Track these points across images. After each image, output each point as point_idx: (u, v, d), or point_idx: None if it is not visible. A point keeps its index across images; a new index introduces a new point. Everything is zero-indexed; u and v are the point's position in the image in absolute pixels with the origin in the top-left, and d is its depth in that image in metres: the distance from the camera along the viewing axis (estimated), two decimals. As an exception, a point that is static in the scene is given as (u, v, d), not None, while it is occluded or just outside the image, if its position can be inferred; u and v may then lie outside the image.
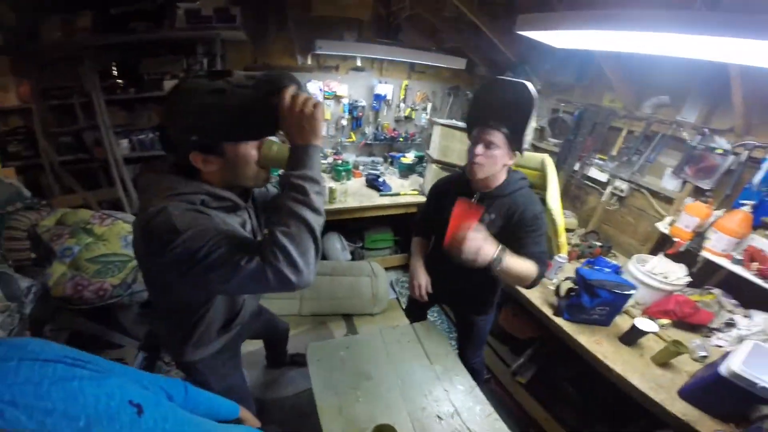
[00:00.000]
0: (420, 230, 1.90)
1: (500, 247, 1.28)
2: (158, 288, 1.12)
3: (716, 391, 1.38)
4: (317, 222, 0.89)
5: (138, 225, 0.93)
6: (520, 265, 1.34)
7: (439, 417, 1.45)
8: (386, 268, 3.28)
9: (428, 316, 2.15)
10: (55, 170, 2.56)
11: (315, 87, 3.34)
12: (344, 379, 1.56)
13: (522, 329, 2.39)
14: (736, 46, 1.14)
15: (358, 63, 3.42)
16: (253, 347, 2.32)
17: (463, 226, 1.23)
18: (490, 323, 1.93)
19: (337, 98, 3.48)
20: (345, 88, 3.47)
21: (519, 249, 1.38)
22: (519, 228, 1.45)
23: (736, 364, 1.31)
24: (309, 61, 3.30)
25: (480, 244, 1.22)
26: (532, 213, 1.46)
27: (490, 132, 1.36)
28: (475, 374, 1.98)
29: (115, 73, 2.65)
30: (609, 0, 2.17)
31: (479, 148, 1.38)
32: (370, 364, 1.64)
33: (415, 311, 2.09)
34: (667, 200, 2.34)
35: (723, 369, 1.34)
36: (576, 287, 1.85)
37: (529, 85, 1.31)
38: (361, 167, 3.61)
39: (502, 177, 1.50)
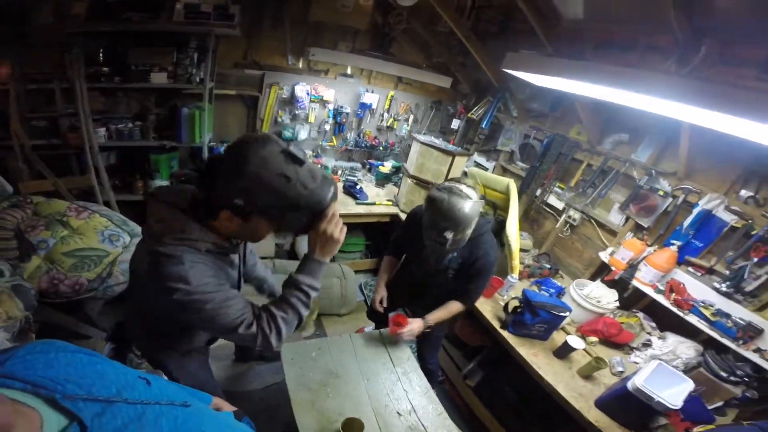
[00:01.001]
0: (392, 250, 2.14)
1: (422, 320, 1.84)
2: (150, 304, 1.19)
3: (624, 402, 1.62)
4: (307, 313, 1.15)
5: (148, 258, 1.00)
6: (445, 313, 1.88)
7: (398, 413, 1.61)
8: (356, 271, 3.39)
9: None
10: (26, 154, 2.45)
11: (302, 90, 3.37)
12: (315, 376, 1.68)
13: (473, 337, 2.61)
14: (694, 111, 1.31)
15: (348, 70, 3.49)
16: (222, 341, 2.37)
17: (398, 330, 1.81)
18: (446, 329, 2.18)
19: (322, 102, 3.52)
20: (332, 93, 3.51)
21: (463, 282, 1.85)
22: (472, 271, 1.80)
23: (639, 380, 1.56)
24: (300, 64, 3.34)
25: (412, 333, 1.82)
26: (487, 263, 1.79)
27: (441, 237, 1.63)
28: (431, 375, 2.20)
29: (101, 59, 2.58)
30: (590, 38, 2.42)
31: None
32: (339, 364, 1.77)
33: (376, 314, 2.24)
34: (612, 233, 2.62)
35: (629, 384, 1.58)
36: (521, 306, 2.08)
37: (466, 205, 1.54)
38: (339, 172, 3.69)
39: None
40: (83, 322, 2.15)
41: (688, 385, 1.62)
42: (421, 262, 1.93)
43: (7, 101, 2.39)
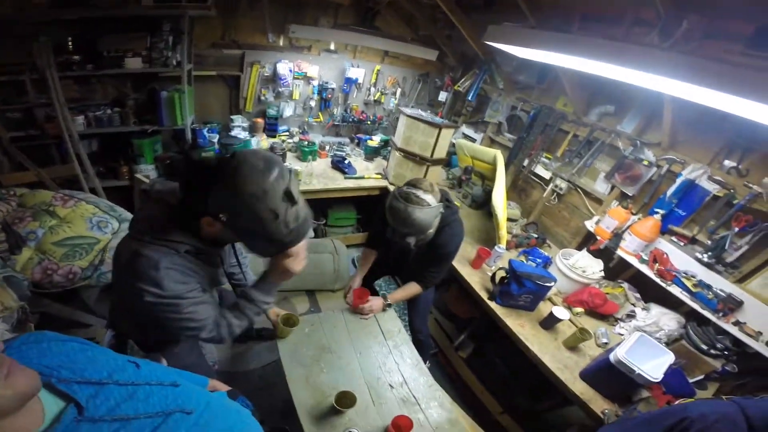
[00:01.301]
0: (370, 243, 2.20)
1: (383, 299, 1.99)
2: (128, 302, 1.25)
3: (607, 374, 1.67)
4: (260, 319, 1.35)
5: (128, 255, 1.05)
6: (404, 293, 2.02)
7: (390, 386, 1.67)
8: (348, 246, 3.42)
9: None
10: (4, 146, 2.42)
11: (285, 67, 3.30)
12: (309, 352, 1.74)
13: (464, 309, 2.69)
14: (674, 84, 1.30)
15: (332, 46, 3.41)
16: None
17: (360, 303, 1.94)
18: (432, 293, 2.24)
19: (306, 78, 3.46)
20: (316, 69, 3.44)
21: (422, 265, 1.95)
22: (432, 256, 1.89)
23: (621, 352, 1.60)
24: (281, 42, 3.25)
25: (372, 309, 1.96)
26: (446, 253, 1.89)
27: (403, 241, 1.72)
28: (423, 347, 2.27)
29: (70, 48, 2.50)
30: (575, 11, 2.37)
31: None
32: (332, 340, 1.83)
33: (364, 282, 2.30)
34: (598, 201, 2.67)
35: (612, 356, 1.63)
36: (507, 276, 2.12)
37: (423, 213, 1.59)
38: (327, 147, 3.66)
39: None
40: (82, 310, 2.18)
41: (668, 358, 1.67)
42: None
43: None
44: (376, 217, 2.05)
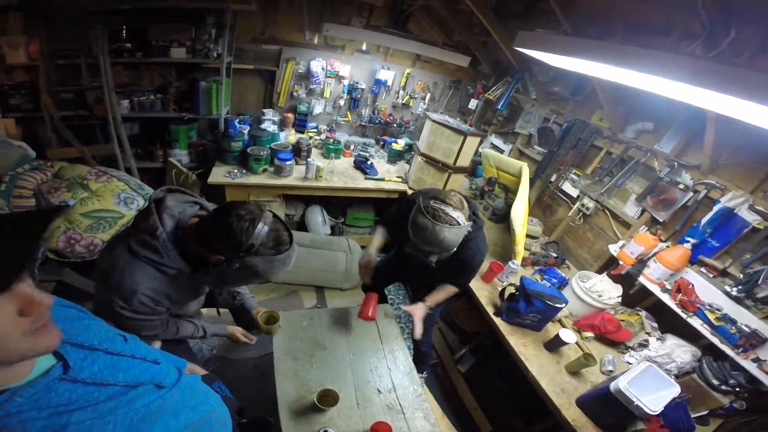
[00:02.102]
0: (387, 223, 2.05)
1: (423, 303, 1.87)
2: (99, 291, 1.30)
3: (604, 403, 1.58)
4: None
5: (117, 262, 1.13)
6: (443, 294, 1.90)
7: (378, 390, 1.65)
8: (362, 246, 3.38)
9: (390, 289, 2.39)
10: (55, 124, 2.65)
11: (318, 65, 3.38)
12: (303, 346, 1.75)
13: (470, 322, 2.61)
14: (716, 98, 1.18)
15: (364, 47, 3.45)
16: (222, 310, 2.43)
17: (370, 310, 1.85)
18: (440, 309, 2.16)
19: (338, 77, 3.53)
20: (348, 68, 3.49)
21: (449, 275, 1.87)
22: (457, 266, 1.77)
23: (623, 381, 1.51)
24: (316, 40, 3.33)
25: (418, 315, 1.85)
26: (472, 263, 1.78)
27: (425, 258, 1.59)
28: (423, 357, 2.22)
29: (124, 36, 2.69)
30: (618, 21, 2.27)
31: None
32: (327, 337, 1.83)
33: (375, 284, 2.26)
34: (626, 225, 2.50)
35: (612, 384, 1.53)
36: (517, 293, 2.04)
37: (451, 233, 1.44)
38: (352, 147, 3.70)
39: None
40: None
41: (674, 391, 1.56)
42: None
43: (36, 76, 2.59)
44: (390, 216, 2.00)
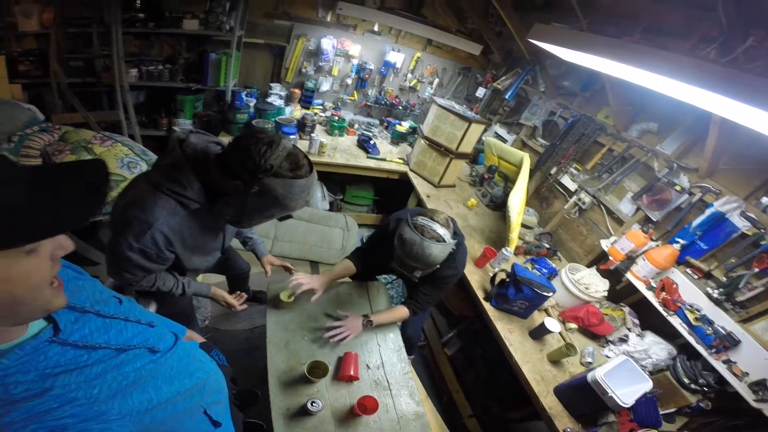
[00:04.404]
0: (357, 256, 2.00)
1: (366, 320, 1.74)
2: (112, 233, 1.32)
3: (579, 393, 1.63)
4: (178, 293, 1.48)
5: (134, 194, 1.14)
6: (389, 317, 1.83)
7: (367, 366, 1.67)
8: (360, 225, 3.46)
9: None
10: (62, 90, 2.65)
11: (329, 43, 3.36)
12: (295, 318, 1.76)
13: (459, 306, 2.67)
14: (722, 102, 1.20)
15: (376, 28, 3.42)
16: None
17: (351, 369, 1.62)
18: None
19: (347, 56, 3.51)
20: (357, 48, 3.47)
21: (419, 286, 1.80)
22: (431, 278, 1.73)
23: (600, 372, 1.56)
24: (329, 18, 3.29)
25: (349, 330, 1.69)
26: (447, 277, 1.74)
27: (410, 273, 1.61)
28: (410, 342, 2.24)
29: (138, 5, 2.67)
30: (638, 22, 2.25)
31: None
32: (320, 310, 1.83)
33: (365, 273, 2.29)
34: (619, 221, 2.55)
35: (590, 375, 1.59)
36: (507, 279, 2.10)
37: (437, 249, 1.47)
38: (356, 126, 3.70)
39: None
40: (96, 248, 2.32)
41: (646, 385, 1.62)
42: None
43: (46, 43, 2.57)
44: (371, 239, 2.01)
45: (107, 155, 2.30)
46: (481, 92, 3.68)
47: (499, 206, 2.97)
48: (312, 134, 3.17)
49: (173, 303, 1.63)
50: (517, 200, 2.43)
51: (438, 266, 1.59)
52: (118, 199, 1.23)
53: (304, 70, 3.52)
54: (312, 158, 1.52)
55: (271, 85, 3.47)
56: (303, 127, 3.26)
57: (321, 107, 3.73)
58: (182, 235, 1.21)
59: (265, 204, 1.13)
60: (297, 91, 3.54)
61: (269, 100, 3.38)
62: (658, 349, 1.93)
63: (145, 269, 1.24)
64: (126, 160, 2.35)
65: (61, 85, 2.63)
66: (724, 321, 1.84)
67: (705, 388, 1.77)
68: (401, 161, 3.43)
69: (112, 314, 0.75)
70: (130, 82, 2.83)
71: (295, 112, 3.46)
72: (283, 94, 3.49)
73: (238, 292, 1.81)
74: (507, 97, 3.39)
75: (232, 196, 1.13)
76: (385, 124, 3.97)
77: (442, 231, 1.50)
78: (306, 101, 3.64)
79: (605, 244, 2.44)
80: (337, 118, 3.51)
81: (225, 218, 1.25)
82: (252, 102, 3.27)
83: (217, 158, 1.14)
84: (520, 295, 2.01)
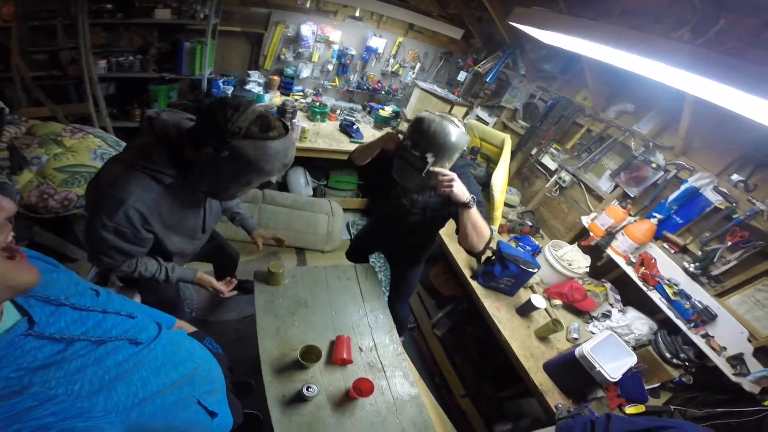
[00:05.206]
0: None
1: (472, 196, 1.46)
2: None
3: (568, 368, 1.67)
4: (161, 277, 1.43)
5: (107, 175, 1.11)
6: (482, 219, 1.51)
7: (360, 348, 1.68)
8: (345, 209, 3.45)
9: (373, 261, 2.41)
10: (25, 84, 2.51)
11: (309, 29, 3.30)
12: (284, 304, 1.75)
13: (446, 286, 2.71)
14: (695, 80, 1.21)
15: (357, 13, 3.37)
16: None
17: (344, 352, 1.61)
18: (419, 276, 2.22)
19: (328, 42, 3.46)
20: (338, 34, 3.42)
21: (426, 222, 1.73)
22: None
23: (587, 347, 1.61)
24: (308, 4, 3.22)
25: (458, 188, 1.39)
26: (460, 164, 1.57)
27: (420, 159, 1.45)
28: (400, 324, 2.27)
29: None
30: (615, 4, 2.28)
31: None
32: (309, 294, 1.83)
33: (357, 255, 2.34)
34: (598, 198, 2.62)
35: (577, 350, 1.63)
36: (493, 257, 2.13)
37: (455, 132, 1.39)
38: (338, 111, 3.67)
39: None
40: (72, 244, 2.24)
41: (631, 360, 1.67)
42: (395, 208, 1.84)
43: (7, 37, 2.42)
44: (374, 172, 1.94)
45: (79, 147, 2.21)
46: (462, 76, 3.68)
47: (482, 186, 3.01)
48: (293, 120, 3.13)
49: (158, 291, 1.60)
50: (500, 179, 2.46)
51: (447, 164, 1.47)
52: (92, 181, 1.20)
53: (283, 56, 3.44)
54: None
55: (249, 72, 3.39)
56: (283, 113, 3.19)
57: (302, 93, 3.66)
58: (159, 212, 1.18)
59: (238, 169, 1.10)
60: (276, 78, 3.46)
61: (247, 87, 3.31)
62: (639, 324, 1.99)
63: (123, 251, 1.20)
64: (99, 151, 2.28)
65: (24, 79, 2.50)
66: (700, 295, 1.91)
67: (686, 363, 1.83)
68: (384, 145, 3.40)
69: (89, 306, 0.73)
70: (99, 74, 2.71)
71: (274, 99, 3.39)
72: (261, 81, 3.41)
73: (228, 278, 1.71)
74: (488, 80, 3.41)
75: (204, 164, 1.09)
76: (368, 109, 3.94)
77: (459, 122, 1.45)
78: (286, 88, 3.57)
79: (586, 221, 2.51)
80: (318, 103, 3.46)
81: (201, 190, 1.21)
82: (230, 90, 3.20)
83: (188, 131, 1.12)
84: (506, 272, 2.05)
